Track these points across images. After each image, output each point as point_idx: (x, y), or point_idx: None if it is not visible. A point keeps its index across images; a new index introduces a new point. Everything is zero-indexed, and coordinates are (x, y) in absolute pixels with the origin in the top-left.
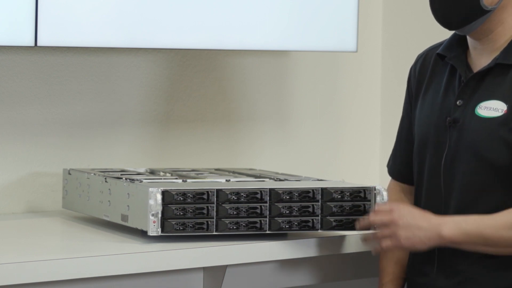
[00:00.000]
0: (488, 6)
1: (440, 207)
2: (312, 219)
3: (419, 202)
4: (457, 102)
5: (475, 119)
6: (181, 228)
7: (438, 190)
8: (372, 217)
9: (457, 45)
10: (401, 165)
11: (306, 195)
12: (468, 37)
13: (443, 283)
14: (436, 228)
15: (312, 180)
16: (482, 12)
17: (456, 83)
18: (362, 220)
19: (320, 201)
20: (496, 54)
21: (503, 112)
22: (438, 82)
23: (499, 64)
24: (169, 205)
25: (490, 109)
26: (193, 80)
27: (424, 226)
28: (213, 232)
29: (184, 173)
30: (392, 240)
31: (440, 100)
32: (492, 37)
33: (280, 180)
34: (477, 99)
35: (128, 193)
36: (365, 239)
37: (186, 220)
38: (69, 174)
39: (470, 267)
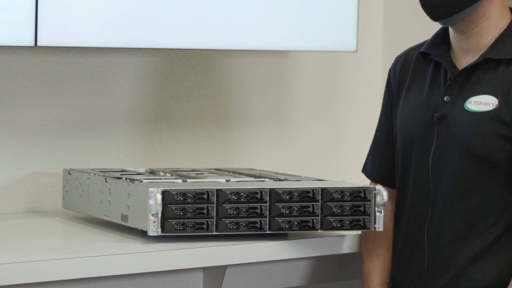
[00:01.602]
0: None
1: (428, 204)
2: (312, 219)
3: (404, 201)
4: (445, 98)
5: (464, 113)
6: (181, 228)
7: (426, 187)
8: None
9: (441, 44)
10: (381, 167)
11: (306, 195)
12: (452, 34)
13: (433, 282)
14: None
15: (312, 180)
16: (470, 2)
17: (441, 79)
18: None
19: (320, 201)
20: (482, 52)
21: (494, 106)
22: (421, 81)
23: (487, 59)
24: (169, 205)
25: (480, 103)
26: (193, 80)
27: None
28: (213, 232)
29: (184, 173)
30: None
31: (425, 97)
32: (477, 31)
33: (280, 180)
34: (466, 94)
35: (128, 193)
36: None
37: (186, 220)
38: (69, 174)
39: (461, 264)
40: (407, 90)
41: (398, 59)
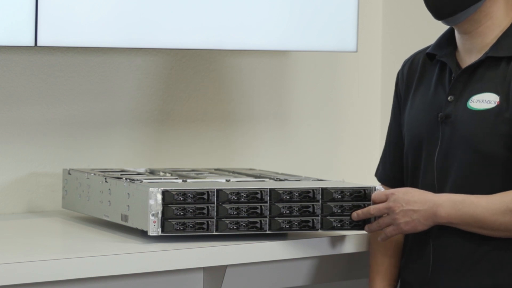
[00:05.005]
0: None
1: None
2: (312, 219)
3: None
4: (449, 98)
5: (467, 112)
6: (181, 228)
7: (432, 187)
8: (372, 210)
9: (447, 44)
10: (392, 170)
11: (306, 195)
12: (457, 34)
13: (438, 281)
14: (432, 209)
15: (312, 180)
16: (473, 1)
17: (446, 79)
18: (361, 212)
19: (320, 201)
20: (485, 51)
21: (496, 103)
22: (427, 82)
23: (489, 57)
24: (169, 205)
25: (482, 101)
26: (193, 80)
27: (420, 209)
28: (213, 232)
29: (184, 173)
30: (394, 227)
31: (431, 97)
32: (481, 31)
33: (280, 180)
34: (468, 93)
35: (128, 193)
36: (369, 228)
37: (186, 220)
38: (69, 174)
39: (466, 264)
40: (414, 93)
41: (405, 63)
